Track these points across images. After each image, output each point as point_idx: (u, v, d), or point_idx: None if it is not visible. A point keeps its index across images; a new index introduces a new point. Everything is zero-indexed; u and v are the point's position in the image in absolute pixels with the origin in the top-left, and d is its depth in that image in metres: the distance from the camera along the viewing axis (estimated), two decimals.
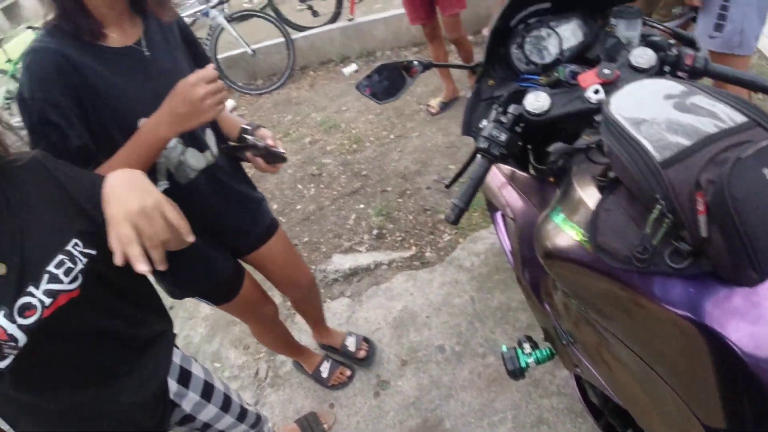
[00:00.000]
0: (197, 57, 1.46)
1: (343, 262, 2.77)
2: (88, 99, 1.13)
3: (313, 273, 2.02)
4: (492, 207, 1.63)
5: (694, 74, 1.16)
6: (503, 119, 1.18)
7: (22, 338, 0.83)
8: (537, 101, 1.16)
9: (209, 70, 1.15)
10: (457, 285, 2.44)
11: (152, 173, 1.27)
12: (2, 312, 0.82)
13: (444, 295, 2.41)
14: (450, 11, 3.21)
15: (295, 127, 4.19)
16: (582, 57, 1.36)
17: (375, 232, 2.88)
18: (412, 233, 2.82)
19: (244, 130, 1.46)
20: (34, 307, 0.84)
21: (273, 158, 1.45)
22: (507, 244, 1.54)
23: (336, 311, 2.53)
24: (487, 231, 2.62)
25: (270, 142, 1.45)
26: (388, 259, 2.70)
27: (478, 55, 4.08)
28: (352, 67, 4.72)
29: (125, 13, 1.22)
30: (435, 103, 3.71)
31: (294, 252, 1.85)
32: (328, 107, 4.29)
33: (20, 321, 0.83)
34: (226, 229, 1.54)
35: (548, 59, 1.35)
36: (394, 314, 2.41)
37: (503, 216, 1.50)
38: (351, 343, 2.24)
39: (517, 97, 1.26)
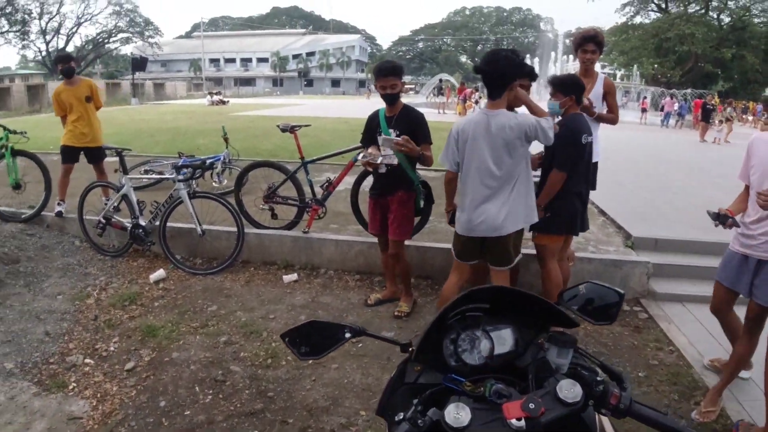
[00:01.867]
0: None
1: None
2: None
3: None
4: None
5: (616, 413, 1.16)
6: (420, 422, 1.13)
7: None
8: (457, 415, 1.12)
9: None
10: None
11: None
12: None
13: None
14: (393, 236, 4.00)
15: (215, 321, 4.00)
16: (511, 363, 1.36)
17: None
18: None
19: None
20: None
21: None
22: None
23: None
24: None
25: None
26: None
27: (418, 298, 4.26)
28: (293, 276, 4.74)
29: None
30: (373, 297, 4.32)
31: None
32: (256, 309, 4.17)
33: None
34: None
35: (478, 362, 1.34)
36: None
37: None
38: None
39: (440, 396, 1.22)
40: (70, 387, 3.21)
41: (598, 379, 1.20)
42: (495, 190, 3.18)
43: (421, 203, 4.25)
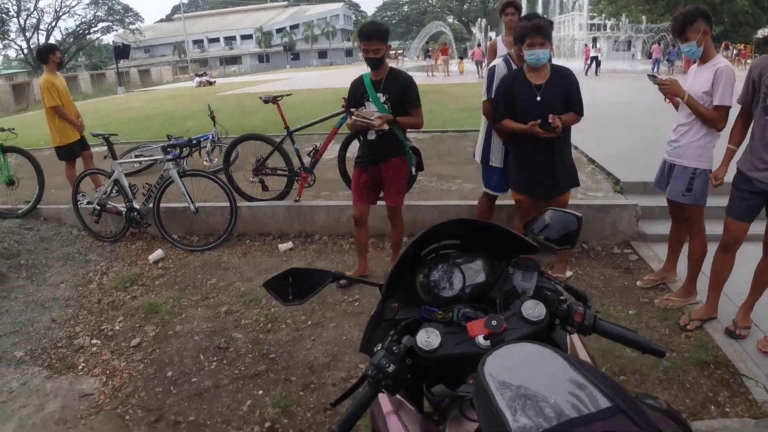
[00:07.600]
0: None
1: None
2: None
3: None
4: None
5: (582, 330, 1.21)
6: (395, 349, 1.18)
7: None
8: (428, 338, 1.17)
9: None
10: None
11: None
12: None
13: None
14: (392, 203, 3.95)
15: (215, 293, 4.09)
16: (484, 294, 1.43)
17: (267, 425, 2.68)
18: None
19: None
20: None
21: None
22: None
23: None
24: None
25: None
26: None
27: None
28: (288, 244, 4.82)
29: None
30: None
31: None
32: (254, 279, 4.27)
33: None
34: None
35: (450, 294, 1.39)
36: None
37: None
38: None
39: (416, 326, 1.28)
40: (80, 367, 3.32)
41: (561, 298, 1.25)
42: None
43: (413, 170, 4.02)
